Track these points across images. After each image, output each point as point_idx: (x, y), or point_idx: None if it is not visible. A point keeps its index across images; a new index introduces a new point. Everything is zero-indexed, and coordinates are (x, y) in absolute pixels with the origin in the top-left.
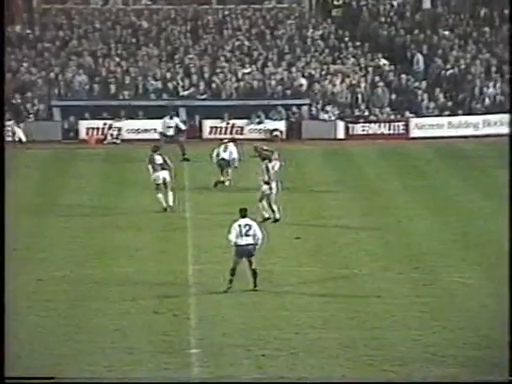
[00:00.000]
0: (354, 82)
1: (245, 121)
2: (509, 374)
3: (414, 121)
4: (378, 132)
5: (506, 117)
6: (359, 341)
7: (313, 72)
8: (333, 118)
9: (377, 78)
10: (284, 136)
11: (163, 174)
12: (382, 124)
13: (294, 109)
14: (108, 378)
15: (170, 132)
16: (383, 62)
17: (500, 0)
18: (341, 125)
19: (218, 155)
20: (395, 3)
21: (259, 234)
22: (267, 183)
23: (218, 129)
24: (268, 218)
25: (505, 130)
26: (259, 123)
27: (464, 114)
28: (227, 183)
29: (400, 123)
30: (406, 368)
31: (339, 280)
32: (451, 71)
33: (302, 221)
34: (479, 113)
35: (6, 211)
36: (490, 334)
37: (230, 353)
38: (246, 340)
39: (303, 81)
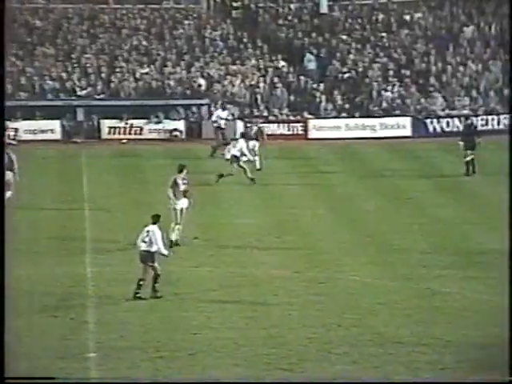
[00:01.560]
0: (253, 82)
1: (144, 121)
2: (509, 374)
3: (312, 122)
4: (277, 132)
5: (402, 120)
6: (256, 340)
7: (212, 72)
8: (230, 117)
9: (276, 79)
10: (183, 136)
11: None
12: (281, 124)
13: (194, 109)
14: (108, 378)
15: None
16: (282, 63)
17: (399, 6)
18: (240, 125)
19: None
20: (293, 7)
21: (158, 243)
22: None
23: (117, 129)
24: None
25: (401, 132)
26: (158, 123)
27: (361, 117)
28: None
29: (298, 124)
30: (301, 366)
31: (237, 280)
32: (349, 74)
33: (201, 221)
34: (376, 115)
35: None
36: (385, 331)
37: (128, 356)
38: (144, 342)
39: (202, 81)
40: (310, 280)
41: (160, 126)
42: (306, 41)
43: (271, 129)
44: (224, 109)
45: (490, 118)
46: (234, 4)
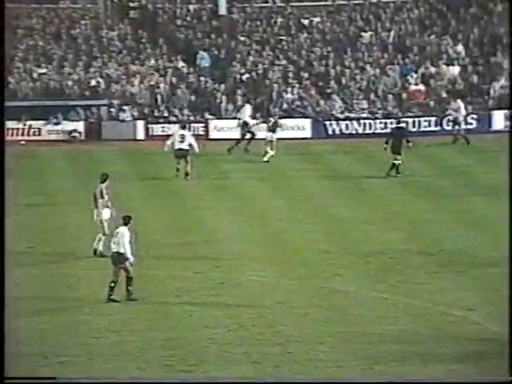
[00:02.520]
0: (152, 82)
1: (42, 122)
2: (509, 374)
3: (213, 122)
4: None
5: (302, 121)
6: (157, 342)
7: (110, 72)
8: (131, 118)
9: (176, 80)
10: (83, 137)
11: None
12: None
13: (93, 109)
14: (109, 378)
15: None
16: (182, 64)
17: (297, 10)
18: (140, 125)
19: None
20: (191, 8)
21: (125, 246)
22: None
23: (15, 130)
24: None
25: (301, 134)
26: (57, 124)
27: (262, 118)
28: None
29: (199, 124)
30: (201, 367)
31: (139, 282)
32: (249, 75)
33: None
34: (277, 117)
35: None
36: (284, 330)
37: (26, 361)
38: (43, 347)
39: (101, 81)
40: (212, 280)
41: (59, 127)
42: (205, 42)
43: (172, 129)
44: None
45: (388, 121)
46: (132, 4)
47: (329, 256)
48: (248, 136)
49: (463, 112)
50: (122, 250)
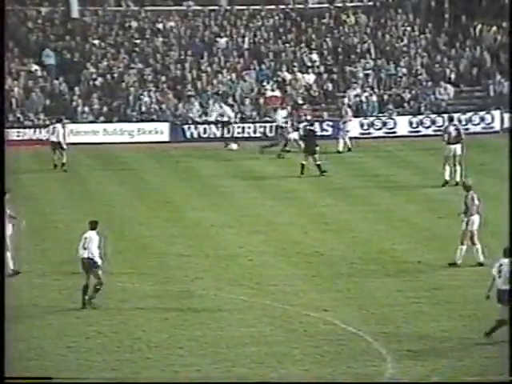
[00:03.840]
0: (6, 87)
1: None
2: (509, 373)
3: (69, 126)
4: (34, 137)
5: (160, 125)
6: (14, 353)
7: None
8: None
9: (30, 83)
10: None
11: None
12: (37, 129)
13: None
14: (109, 378)
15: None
16: (35, 67)
17: (151, 14)
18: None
19: None
20: (43, 10)
21: (92, 250)
22: None
23: None
24: None
25: (159, 137)
26: None
27: (119, 121)
28: None
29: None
30: (59, 375)
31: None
32: (104, 79)
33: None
34: (134, 120)
35: None
36: (143, 336)
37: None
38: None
39: None
40: (70, 288)
41: None
42: (59, 44)
43: (28, 134)
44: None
45: (246, 125)
46: None
47: (189, 260)
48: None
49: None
50: (91, 256)
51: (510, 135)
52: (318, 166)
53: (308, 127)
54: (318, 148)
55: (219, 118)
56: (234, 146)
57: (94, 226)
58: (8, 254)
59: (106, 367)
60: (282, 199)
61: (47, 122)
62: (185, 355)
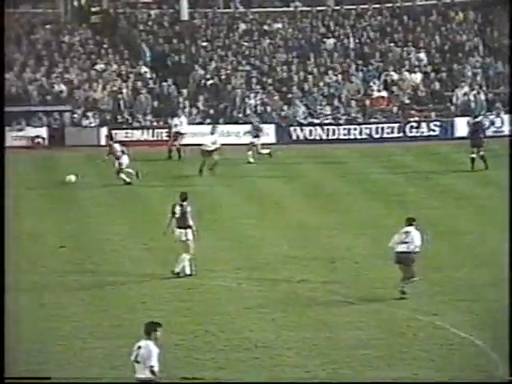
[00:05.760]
0: (115, 88)
1: (5, 128)
2: (509, 373)
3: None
4: (141, 138)
5: (266, 127)
6: (124, 349)
7: (72, 78)
8: (95, 124)
9: (139, 85)
10: (46, 143)
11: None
12: (145, 130)
13: (56, 115)
14: (109, 378)
15: None
16: (144, 69)
17: (259, 16)
18: (104, 131)
19: None
20: (153, 13)
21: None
22: None
23: None
24: None
25: (265, 139)
26: (20, 130)
27: (226, 123)
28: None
29: (163, 130)
30: (167, 373)
31: (106, 288)
32: (212, 81)
33: (66, 229)
34: (241, 122)
35: None
36: (251, 336)
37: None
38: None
39: (63, 87)
40: (177, 286)
41: (22, 133)
42: (166, 47)
43: (135, 135)
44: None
45: (352, 127)
46: (93, 9)
47: (295, 261)
48: None
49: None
50: (411, 249)
51: (510, 140)
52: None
53: (474, 120)
54: (484, 141)
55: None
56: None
57: (410, 221)
58: (187, 257)
59: (213, 366)
60: (388, 201)
61: (133, 138)
62: (293, 356)
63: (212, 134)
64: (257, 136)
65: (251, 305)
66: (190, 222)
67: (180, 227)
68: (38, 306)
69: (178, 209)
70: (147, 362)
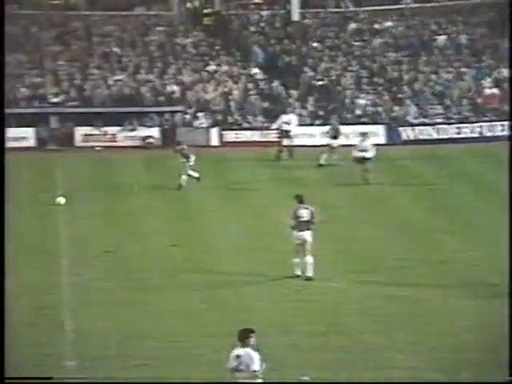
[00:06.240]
0: (226, 89)
1: (118, 128)
2: (509, 373)
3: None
4: (252, 139)
5: (376, 127)
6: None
7: (185, 79)
8: (206, 124)
9: (249, 86)
10: (158, 143)
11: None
12: (255, 131)
13: (168, 116)
14: (109, 378)
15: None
16: (255, 70)
17: (370, 15)
18: (214, 132)
19: None
20: (265, 14)
21: None
22: None
23: (91, 136)
24: None
25: (375, 140)
26: (132, 130)
27: None
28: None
29: (273, 131)
30: (284, 373)
31: (220, 287)
32: (322, 82)
33: (178, 228)
34: (350, 123)
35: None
36: (363, 338)
37: (106, 364)
38: (123, 350)
39: (175, 88)
40: (290, 287)
41: (134, 133)
42: (277, 48)
43: (246, 135)
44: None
45: (463, 126)
46: (206, 11)
47: (406, 264)
48: None
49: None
50: None
51: (510, 143)
52: None
53: None
54: None
55: None
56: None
57: None
58: (309, 260)
59: (324, 366)
60: (499, 203)
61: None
62: (406, 359)
63: (363, 140)
64: (335, 137)
65: (360, 307)
66: (313, 225)
67: (302, 230)
68: (152, 304)
69: (303, 212)
70: (251, 367)
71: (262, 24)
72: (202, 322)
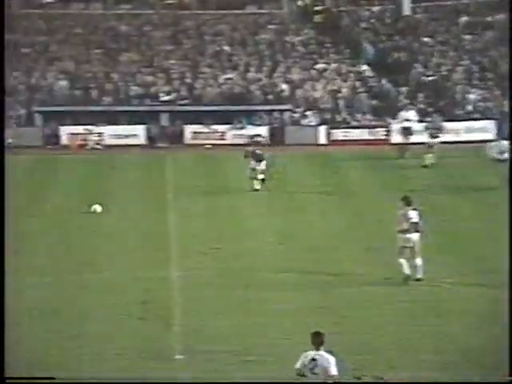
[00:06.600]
0: (335, 87)
1: (227, 126)
2: (509, 373)
3: (395, 126)
4: (359, 137)
5: (487, 123)
6: (348, 345)
7: (294, 77)
8: (314, 123)
9: (358, 84)
10: (266, 141)
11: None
12: (364, 129)
13: (276, 114)
14: (109, 378)
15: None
16: (364, 67)
17: (482, 7)
18: (322, 130)
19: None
20: (375, 9)
21: None
22: None
23: (200, 134)
24: None
25: (486, 136)
26: (241, 128)
27: (445, 121)
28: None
29: (381, 129)
30: (393, 373)
31: (324, 286)
32: (432, 77)
33: (284, 227)
34: (460, 119)
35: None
36: (459, 339)
37: (216, 359)
38: (232, 346)
39: (285, 86)
40: (395, 286)
41: (243, 132)
42: (388, 44)
43: (353, 134)
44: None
45: None
46: (316, 8)
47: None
48: None
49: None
50: None
51: (510, 136)
52: None
53: None
54: None
55: None
56: None
57: None
58: (418, 262)
59: (435, 367)
60: None
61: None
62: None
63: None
64: (436, 136)
65: (467, 308)
66: (421, 227)
67: (410, 231)
68: (262, 301)
69: (412, 213)
70: (328, 371)
71: (373, 20)
72: (316, 320)
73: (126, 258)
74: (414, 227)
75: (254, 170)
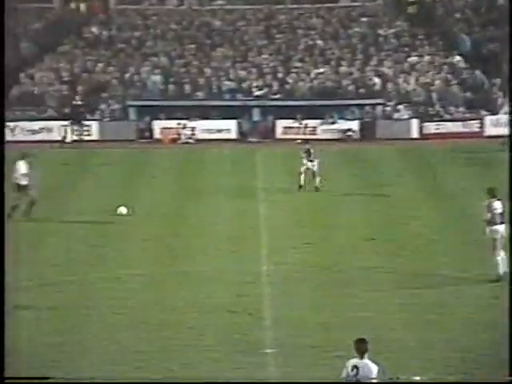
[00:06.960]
0: (427, 80)
1: (318, 121)
2: (509, 373)
3: (488, 119)
4: (452, 131)
5: None
6: (436, 343)
7: (386, 71)
8: (406, 116)
9: (451, 76)
10: (357, 136)
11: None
12: (457, 123)
13: (368, 108)
14: (109, 378)
15: None
16: (457, 58)
17: None
18: (414, 124)
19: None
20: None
21: None
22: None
23: (292, 129)
24: None
25: None
26: (332, 123)
27: None
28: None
29: (474, 121)
30: (482, 371)
31: (416, 284)
32: None
33: (376, 221)
34: None
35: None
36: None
37: (306, 354)
38: (322, 341)
39: (377, 80)
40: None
41: (334, 126)
42: (481, 34)
43: (446, 127)
44: None
45: None
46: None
47: None
48: None
49: None
50: None
51: (510, 139)
52: None
53: None
54: None
55: None
56: None
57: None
58: (503, 254)
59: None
60: None
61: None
62: None
63: None
64: None
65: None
66: (506, 218)
67: (497, 223)
68: (347, 297)
69: (497, 204)
70: (369, 379)
71: (467, 10)
72: (397, 316)
73: (218, 251)
74: (501, 218)
75: (307, 168)
